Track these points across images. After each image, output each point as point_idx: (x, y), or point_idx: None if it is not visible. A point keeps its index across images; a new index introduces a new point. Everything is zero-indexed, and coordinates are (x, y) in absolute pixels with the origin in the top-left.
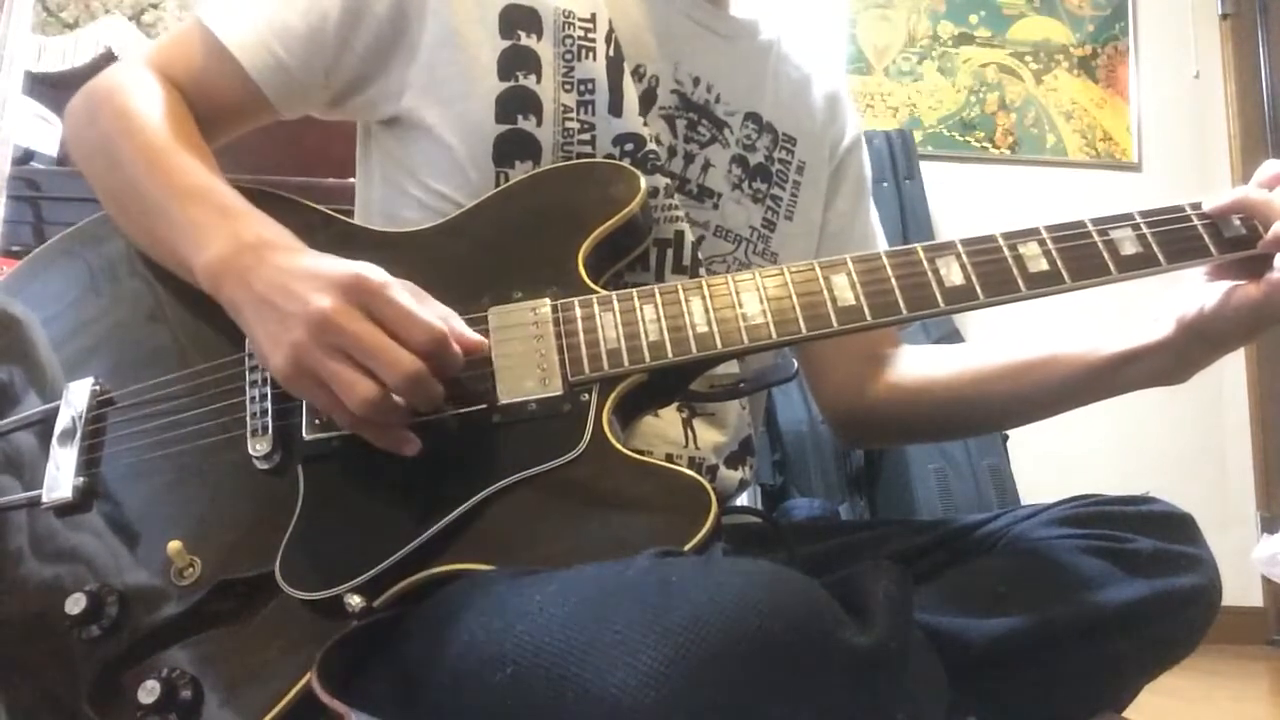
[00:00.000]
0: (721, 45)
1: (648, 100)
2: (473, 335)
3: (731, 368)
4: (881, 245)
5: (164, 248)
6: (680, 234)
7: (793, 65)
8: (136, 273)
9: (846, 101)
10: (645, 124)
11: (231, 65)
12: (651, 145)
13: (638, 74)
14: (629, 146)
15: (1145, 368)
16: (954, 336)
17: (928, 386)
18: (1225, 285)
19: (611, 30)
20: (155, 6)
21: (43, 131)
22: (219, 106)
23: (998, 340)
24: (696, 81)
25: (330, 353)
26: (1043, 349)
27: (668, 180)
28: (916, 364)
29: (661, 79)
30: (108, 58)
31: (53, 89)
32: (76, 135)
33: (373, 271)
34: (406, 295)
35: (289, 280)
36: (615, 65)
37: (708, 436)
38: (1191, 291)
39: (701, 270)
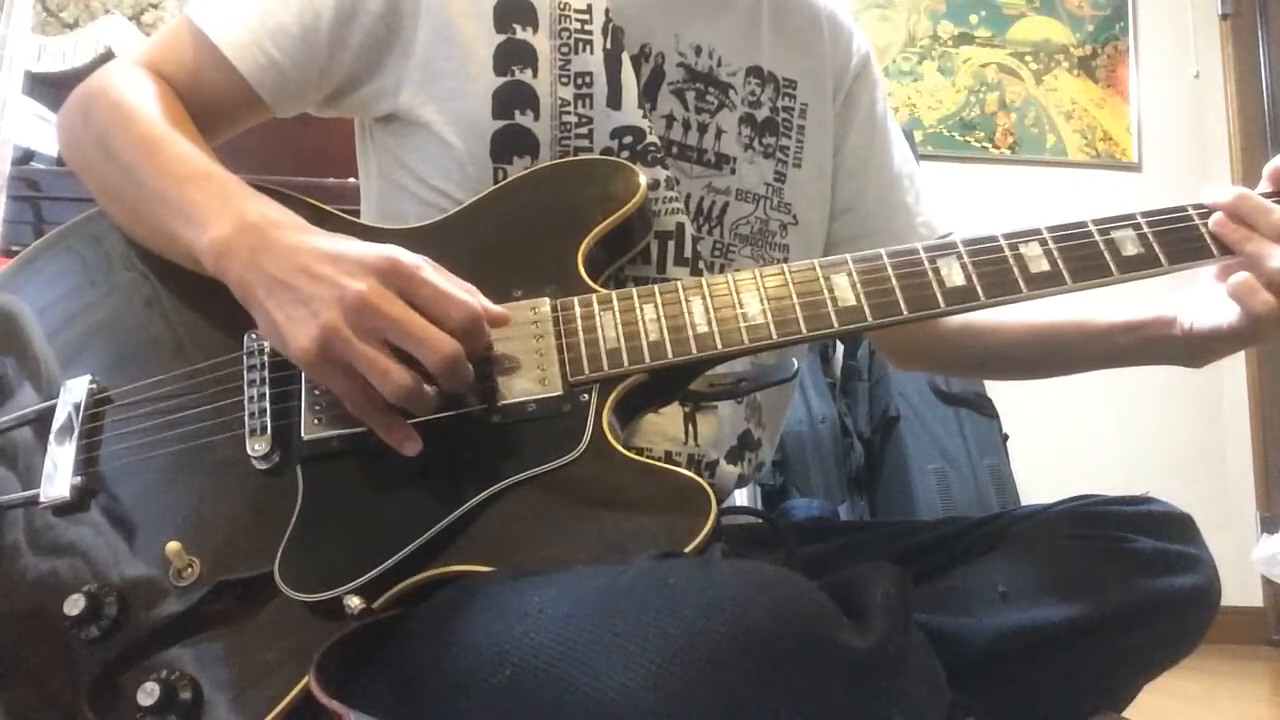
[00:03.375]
0: (716, 2)
1: (656, 80)
2: (496, 308)
3: (733, 366)
4: (911, 172)
5: (163, 235)
6: (681, 226)
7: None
8: (132, 267)
9: (847, 21)
10: (645, 115)
11: (224, 65)
12: (652, 137)
13: (644, 54)
14: (628, 139)
15: (1161, 354)
16: None
17: (967, 337)
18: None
19: (609, 20)
20: (155, 6)
21: (43, 131)
22: (213, 105)
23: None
24: (698, 50)
25: (364, 337)
26: (1069, 317)
27: (668, 173)
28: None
29: (667, 55)
30: (107, 58)
31: (53, 89)
32: (70, 132)
33: (404, 254)
34: (438, 275)
35: (309, 261)
36: (613, 57)
37: (708, 432)
38: (1199, 295)
39: (701, 264)
